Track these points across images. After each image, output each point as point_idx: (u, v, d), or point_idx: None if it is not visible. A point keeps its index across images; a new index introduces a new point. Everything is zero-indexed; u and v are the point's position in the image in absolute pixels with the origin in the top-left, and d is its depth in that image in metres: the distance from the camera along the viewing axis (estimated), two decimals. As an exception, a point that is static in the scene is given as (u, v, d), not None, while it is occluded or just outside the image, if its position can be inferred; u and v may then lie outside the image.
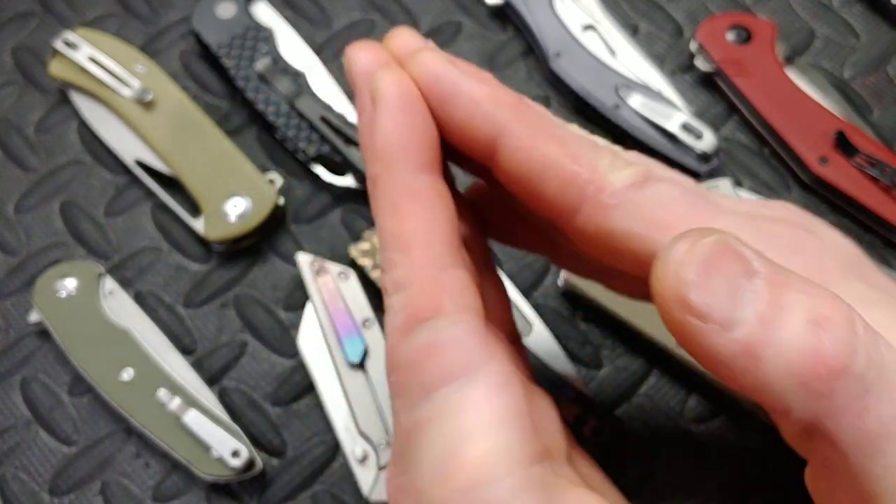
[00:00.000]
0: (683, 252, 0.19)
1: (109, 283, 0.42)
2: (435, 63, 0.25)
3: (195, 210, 0.44)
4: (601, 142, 0.27)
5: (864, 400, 0.18)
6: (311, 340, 0.40)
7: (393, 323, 0.24)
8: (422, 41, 0.27)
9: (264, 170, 0.44)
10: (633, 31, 0.48)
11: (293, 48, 0.47)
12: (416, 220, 0.24)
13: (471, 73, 0.26)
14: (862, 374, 0.18)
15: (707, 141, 0.42)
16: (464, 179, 0.29)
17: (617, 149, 0.27)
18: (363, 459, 0.37)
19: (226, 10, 0.47)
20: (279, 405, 0.40)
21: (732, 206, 0.25)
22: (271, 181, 0.43)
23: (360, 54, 0.27)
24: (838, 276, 0.23)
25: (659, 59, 0.47)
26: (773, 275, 0.19)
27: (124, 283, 0.43)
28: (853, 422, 0.18)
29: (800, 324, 0.18)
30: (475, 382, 0.22)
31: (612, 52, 0.46)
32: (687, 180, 0.27)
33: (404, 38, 0.27)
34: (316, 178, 0.45)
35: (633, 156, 0.27)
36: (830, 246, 0.24)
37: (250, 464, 0.38)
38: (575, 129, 0.28)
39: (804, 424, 0.19)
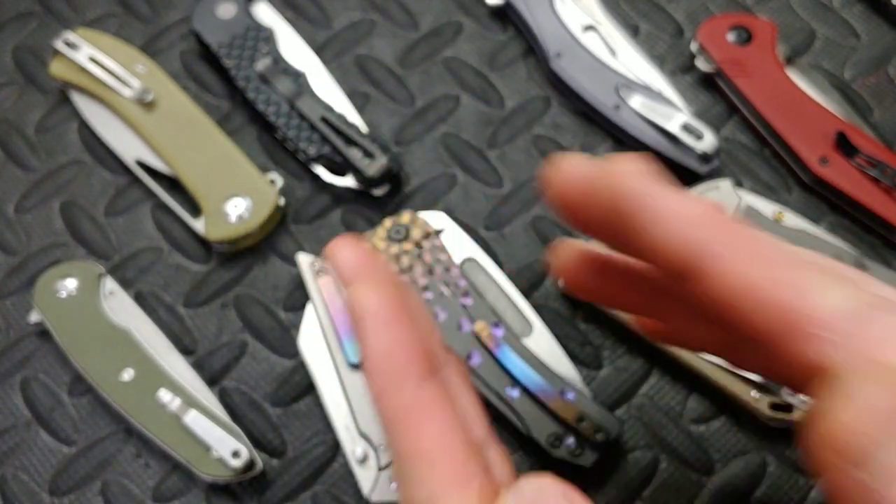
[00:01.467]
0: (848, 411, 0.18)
1: (110, 284, 0.42)
2: (631, 177, 0.22)
3: (195, 210, 0.43)
4: (803, 251, 0.23)
5: None
6: (312, 341, 0.40)
7: None
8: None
9: (265, 170, 0.44)
10: (633, 31, 0.48)
11: (294, 48, 0.47)
12: (432, 434, 0.23)
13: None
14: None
15: (707, 141, 0.42)
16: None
17: (820, 258, 0.22)
18: (363, 460, 0.37)
19: (226, 11, 0.47)
20: (279, 405, 0.40)
21: None
22: (272, 181, 0.43)
23: (342, 252, 0.26)
24: None
25: (659, 60, 0.47)
26: None
27: (124, 284, 0.43)
28: None
29: None
30: None
31: (613, 53, 0.46)
32: None
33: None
34: (316, 178, 0.45)
35: (844, 266, 0.23)
36: None
37: (250, 464, 0.38)
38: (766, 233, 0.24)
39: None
